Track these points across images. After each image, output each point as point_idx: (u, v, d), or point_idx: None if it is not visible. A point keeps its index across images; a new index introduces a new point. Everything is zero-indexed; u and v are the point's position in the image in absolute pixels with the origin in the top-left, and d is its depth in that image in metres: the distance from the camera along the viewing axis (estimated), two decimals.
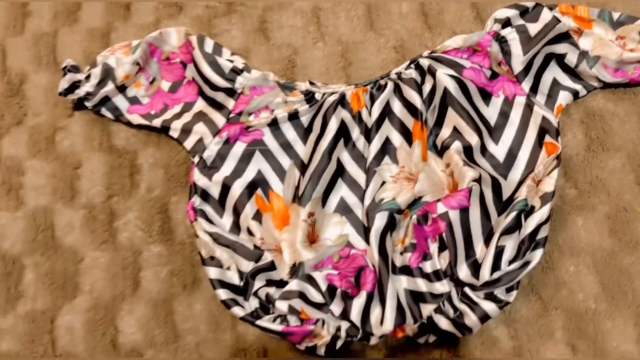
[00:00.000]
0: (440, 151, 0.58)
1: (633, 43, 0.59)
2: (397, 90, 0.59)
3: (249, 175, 0.58)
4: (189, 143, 0.60)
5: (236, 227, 0.57)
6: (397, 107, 0.59)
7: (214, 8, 0.66)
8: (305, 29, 0.65)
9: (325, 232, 0.57)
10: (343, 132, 0.59)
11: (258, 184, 0.58)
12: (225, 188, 0.57)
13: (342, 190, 0.58)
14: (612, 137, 0.59)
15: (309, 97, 0.60)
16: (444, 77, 0.58)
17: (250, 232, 0.56)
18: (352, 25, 0.64)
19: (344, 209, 0.58)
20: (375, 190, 0.56)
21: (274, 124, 0.60)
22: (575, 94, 0.59)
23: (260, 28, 0.65)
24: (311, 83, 0.61)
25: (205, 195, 0.57)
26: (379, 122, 0.58)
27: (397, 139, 0.58)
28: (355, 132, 0.59)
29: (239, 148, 0.59)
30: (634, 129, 0.59)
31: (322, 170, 0.57)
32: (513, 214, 0.52)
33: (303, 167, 0.58)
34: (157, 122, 0.61)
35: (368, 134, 0.59)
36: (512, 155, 0.57)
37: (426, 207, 0.55)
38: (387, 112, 0.59)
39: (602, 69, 0.59)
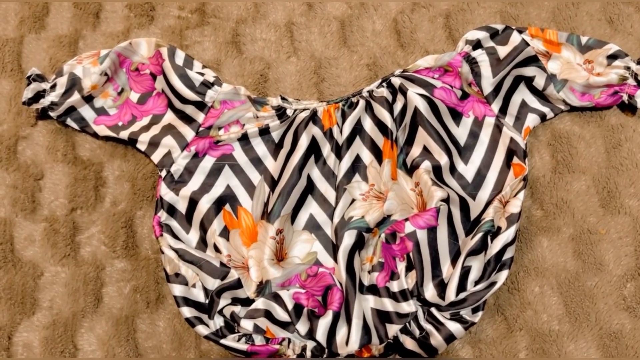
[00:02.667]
0: (410, 170, 0.58)
1: (600, 67, 0.60)
2: (369, 108, 0.59)
3: (217, 190, 0.57)
4: (156, 156, 0.59)
5: (203, 243, 0.56)
6: (368, 125, 0.59)
7: (186, 19, 0.65)
8: (278, 43, 0.64)
9: (293, 249, 0.56)
10: (314, 148, 0.58)
11: (226, 199, 0.57)
12: (193, 203, 0.56)
13: (311, 208, 0.58)
14: (577, 159, 0.60)
15: (281, 112, 0.60)
16: (415, 96, 0.58)
17: (217, 249, 0.55)
18: (325, 41, 0.64)
19: (313, 226, 0.57)
20: (345, 207, 0.56)
21: (244, 139, 0.59)
22: (543, 117, 0.60)
23: (233, 41, 0.64)
24: (283, 98, 0.60)
25: (171, 210, 0.56)
26: (350, 140, 0.58)
27: (367, 156, 0.58)
28: (326, 149, 0.59)
29: (207, 162, 0.58)
30: (599, 152, 0.60)
31: (292, 187, 0.57)
32: (479, 235, 0.52)
33: (273, 183, 0.58)
34: (124, 134, 0.60)
35: (339, 151, 0.58)
36: (480, 176, 0.58)
37: (394, 226, 0.55)
38: (358, 130, 0.59)
39: (569, 92, 0.60)
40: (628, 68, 0.59)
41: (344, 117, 0.59)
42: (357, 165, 0.58)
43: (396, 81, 0.59)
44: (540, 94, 0.60)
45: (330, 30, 0.65)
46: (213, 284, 0.53)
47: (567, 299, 0.55)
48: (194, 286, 0.53)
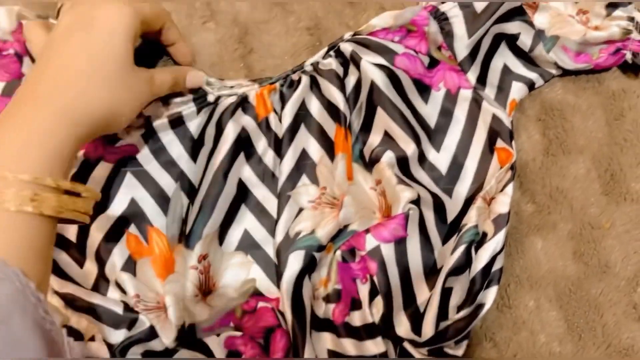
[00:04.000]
0: (369, 164, 0.45)
1: (598, 19, 0.48)
2: (315, 86, 0.46)
3: (116, 208, 0.43)
4: None
5: (104, 279, 0.42)
6: (315, 108, 0.46)
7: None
8: (190, 5, 0.49)
9: (224, 277, 0.44)
10: (244, 144, 0.45)
11: (130, 219, 0.43)
12: (84, 228, 0.42)
13: (245, 221, 0.45)
14: (573, 136, 0.48)
15: (199, 98, 0.45)
16: (371, 68, 0.45)
17: (121, 289, 0.42)
18: (252, 0, 0.49)
19: (249, 245, 0.44)
20: (290, 220, 0.43)
21: (150, 134, 0.45)
22: (531, 85, 0.48)
23: None
24: None
25: (57, 238, 0.42)
26: (293, 130, 0.45)
27: (316, 151, 0.45)
28: (262, 144, 0.45)
29: (102, 170, 0.44)
30: (599, 126, 0.48)
31: (216, 196, 0.43)
32: (461, 249, 0.41)
33: (192, 193, 0.44)
34: None
35: (279, 147, 0.45)
36: (457, 165, 0.46)
37: (352, 240, 0.43)
38: (302, 116, 0.45)
39: (561, 52, 0.47)
40: (632, 19, 0.47)
41: (283, 100, 0.46)
42: (303, 164, 0.45)
43: (346, 48, 0.46)
44: (525, 57, 0.48)
45: None
46: (117, 336, 0.40)
47: (567, 312, 0.45)
48: (92, 339, 0.40)
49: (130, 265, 0.42)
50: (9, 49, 0.45)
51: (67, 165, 0.34)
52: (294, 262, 0.42)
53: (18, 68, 0.45)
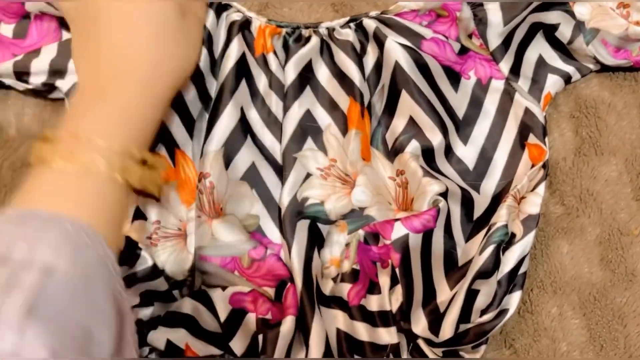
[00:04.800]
0: (392, 152, 0.42)
1: (639, 14, 0.45)
2: (326, 51, 0.43)
3: None
4: (65, 85, 0.41)
5: None
6: (324, 75, 0.43)
7: None
8: None
9: (229, 203, 0.41)
10: (244, 72, 0.42)
11: (158, 138, 0.40)
12: None
13: (252, 153, 0.42)
14: (607, 136, 0.45)
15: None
16: (396, 47, 0.42)
17: (137, 216, 0.39)
18: None
19: (255, 180, 0.42)
20: (298, 183, 0.41)
21: None
22: (567, 79, 0.45)
23: None
24: None
25: None
26: (297, 88, 0.42)
27: (322, 117, 0.42)
28: (262, 83, 0.43)
29: None
30: (634, 127, 0.46)
31: (220, 109, 0.41)
32: (490, 249, 0.38)
33: (204, 97, 0.41)
34: (4, 68, 0.42)
35: (281, 93, 0.42)
36: (485, 159, 0.43)
37: (378, 226, 0.41)
38: (307, 77, 0.42)
39: (600, 46, 0.45)
40: None
41: (288, 52, 0.43)
42: (307, 126, 0.42)
43: (370, 24, 0.43)
44: (563, 49, 0.45)
45: None
46: None
47: (591, 321, 0.43)
48: None
49: None
50: None
51: (150, 136, 0.35)
52: (301, 232, 0.40)
53: (20, 7, 0.42)
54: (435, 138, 0.41)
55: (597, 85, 0.46)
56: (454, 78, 0.44)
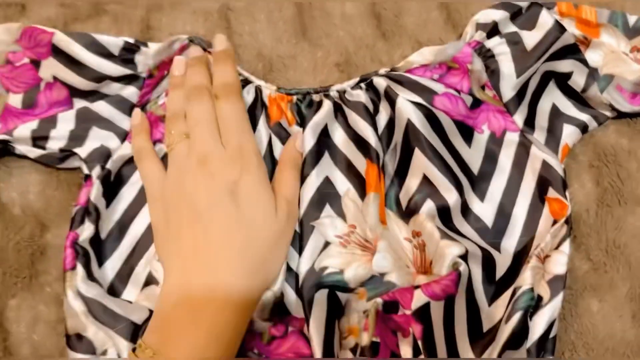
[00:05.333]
0: (406, 213, 0.41)
1: None
2: (340, 115, 0.42)
3: None
4: (84, 152, 0.41)
5: (126, 276, 0.39)
6: (340, 138, 0.42)
7: (74, 7, 0.45)
8: (210, 38, 0.45)
9: None
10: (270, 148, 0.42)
11: None
12: (128, 217, 0.40)
13: None
14: (630, 184, 0.44)
15: None
16: (407, 106, 0.41)
17: (148, 282, 0.38)
18: (276, 32, 0.46)
19: None
20: (316, 252, 0.39)
21: None
22: (584, 128, 0.44)
23: (143, 37, 0.45)
24: None
25: (99, 226, 0.39)
26: (316, 154, 0.41)
27: (341, 182, 0.41)
28: (279, 150, 0.42)
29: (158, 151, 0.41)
30: None
31: None
32: (517, 317, 0.36)
33: None
34: (19, 133, 0.41)
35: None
36: (503, 216, 0.41)
37: (397, 294, 0.39)
38: (325, 143, 0.42)
39: (616, 93, 0.43)
40: None
41: (303, 119, 0.42)
42: (326, 193, 0.41)
43: (380, 83, 0.42)
44: (577, 97, 0.44)
45: (282, 16, 0.46)
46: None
47: None
48: (105, 353, 0.37)
49: None
50: (23, 59, 0.42)
51: (237, 348, 0.35)
52: (320, 305, 0.38)
53: (34, 75, 0.42)
54: (451, 196, 0.40)
55: (614, 132, 0.45)
56: (467, 133, 0.42)
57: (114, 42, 0.42)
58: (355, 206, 0.41)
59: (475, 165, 0.42)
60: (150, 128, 0.42)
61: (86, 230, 0.38)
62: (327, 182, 0.41)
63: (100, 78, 0.41)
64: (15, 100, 0.42)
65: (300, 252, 0.39)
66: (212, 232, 0.35)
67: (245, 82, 0.43)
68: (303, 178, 0.41)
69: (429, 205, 0.40)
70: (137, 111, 0.42)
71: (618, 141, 0.45)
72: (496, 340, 0.36)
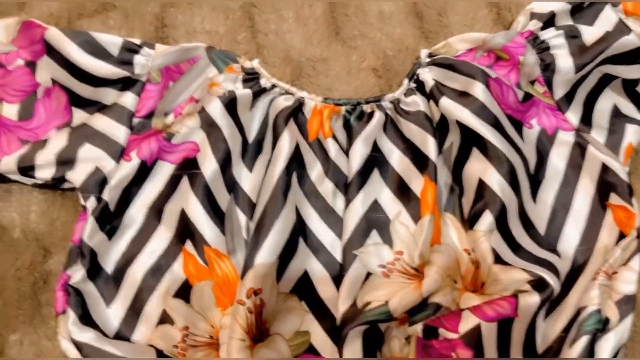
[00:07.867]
0: (468, 220, 0.37)
1: None
2: (391, 127, 0.40)
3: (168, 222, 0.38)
4: (77, 176, 0.37)
5: (132, 320, 0.36)
6: (393, 153, 0.39)
7: (80, 2, 0.41)
8: (231, 37, 0.42)
9: (276, 321, 0.36)
10: (297, 164, 0.39)
11: (186, 234, 0.37)
12: (131, 253, 0.37)
13: (305, 259, 0.38)
14: None
15: (252, 78, 0.40)
16: (454, 106, 0.38)
17: (163, 319, 0.35)
18: (306, 32, 0.42)
19: (306, 290, 0.37)
20: (357, 284, 0.36)
21: (208, 124, 0.38)
22: None
23: (157, 35, 0.42)
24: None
25: (95, 266, 0.36)
26: (363, 175, 0.38)
27: (390, 205, 0.38)
28: (316, 169, 0.39)
29: (164, 171, 0.38)
30: None
31: (274, 218, 0.36)
32: (583, 342, 0.34)
33: (250, 207, 0.38)
34: (5, 165, 0.38)
35: (342, 184, 0.39)
36: (556, 223, 0.38)
37: (443, 320, 0.36)
38: (376, 161, 0.39)
39: None
40: None
41: (351, 133, 0.39)
42: (374, 218, 0.38)
43: (427, 79, 0.39)
44: (638, 97, 0.41)
45: (312, 14, 0.43)
46: None
47: None
48: None
49: (184, 292, 0.36)
50: (16, 60, 0.39)
51: None
52: (353, 343, 0.35)
53: (30, 80, 0.39)
54: (511, 202, 0.36)
55: None
56: (517, 126, 0.39)
57: (113, 41, 0.39)
58: (407, 230, 0.38)
59: (530, 162, 0.39)
60: (158, 152, 0.38)
61: (78, 272, 0.36)
62: (376, 206, 0.38)
63: (96, 80, 0.38)
64: (11, 111, 0.39)
65: (337, 287, 0.37)
66: None
67: (285, 92, 0.40)
68: (347, 201, 0.38)
69: (487, 220, 0.36)
70: None
71: None
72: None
